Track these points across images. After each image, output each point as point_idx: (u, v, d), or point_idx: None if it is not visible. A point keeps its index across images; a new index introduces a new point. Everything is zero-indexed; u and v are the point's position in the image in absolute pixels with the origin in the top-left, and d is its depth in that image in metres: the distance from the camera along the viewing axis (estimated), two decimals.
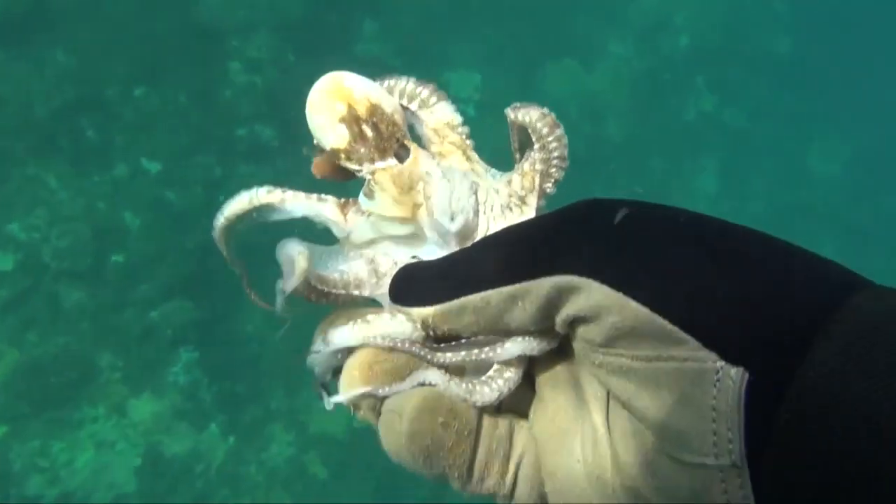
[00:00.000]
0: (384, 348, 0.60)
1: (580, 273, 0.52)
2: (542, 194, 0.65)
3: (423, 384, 0.59)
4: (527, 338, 0.59)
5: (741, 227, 0.53)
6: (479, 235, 0.64)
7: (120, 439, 4.17)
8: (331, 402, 0.63)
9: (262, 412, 4.40)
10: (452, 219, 0.63)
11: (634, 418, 0.53)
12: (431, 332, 0.62)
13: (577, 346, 0.56)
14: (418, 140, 0.68)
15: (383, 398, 0.59)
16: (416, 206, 0.64)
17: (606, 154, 6.43)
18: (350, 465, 4.32)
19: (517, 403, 0.63)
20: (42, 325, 4.21)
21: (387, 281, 0.63)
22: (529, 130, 0.64)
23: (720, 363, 0.47)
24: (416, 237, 0.65)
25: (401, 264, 0.64)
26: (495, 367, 0.61)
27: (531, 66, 6.56)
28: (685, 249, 0.51)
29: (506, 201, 0.65)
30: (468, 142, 0.68)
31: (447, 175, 0.64)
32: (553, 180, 0.65)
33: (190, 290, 4.39)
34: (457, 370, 0.62)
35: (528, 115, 0.63)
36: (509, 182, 0.65)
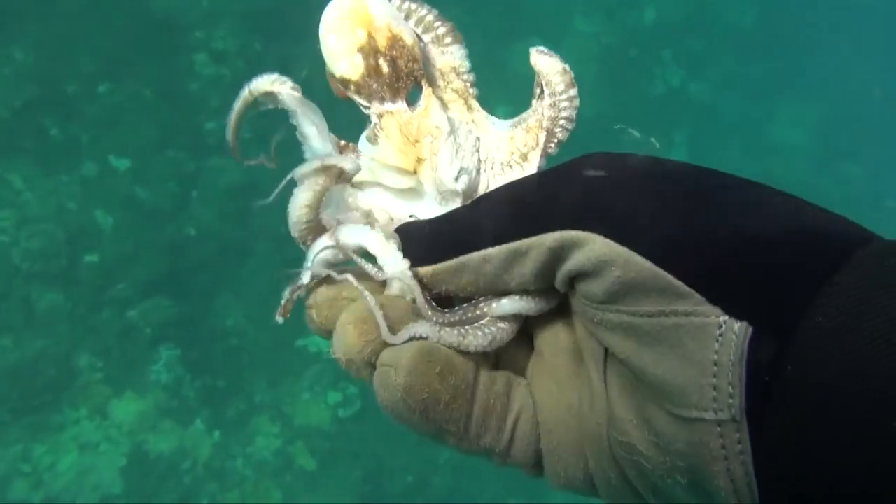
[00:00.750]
0: (376, 306, 0.57)
1: (582, 227, 0.51)
2: (545, 153, 0.63)
3: (414, 338, 0.57)
4: (524, 297, 0.58)
5: (745, 181, 0.53)
6: (479, 193, 0.63)
7: (103, 440, 4.13)
8: (280, 320, 0.61)
9: (247, 406, 4.40)
10: (457, 178, 0.61)
11: (632, 375, 0.52)
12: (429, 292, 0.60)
13: (577, 303, 0.56)
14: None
15: (377, 355, 0.57)
16: (420, 160, 0.61)
17: (580, 130, 6.46)
18: (337, 454, 4.34)
19: (515, 361, 0.63)
20: (17, 330, 4.14)
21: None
22: (544, 83, 0.62)
23: (723, 318, 0.47)
24: (414, 192, 0.63)
25: (397, 220, 0.62)
26: (490, 317, 0.59)
27: (499, 46, 6.54)
28: (690, 203, 0.50)
29: (507, 158, 0.63)
30: (472, 90, 0.65)
31: (455, 131, 0.62)
32: (557, 140, 0.63)
33: (167, 287, 4.34)
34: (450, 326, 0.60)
35: (549, 67, 0.61)
36: (512, 138, 0.64)
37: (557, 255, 0.53)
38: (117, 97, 4.58)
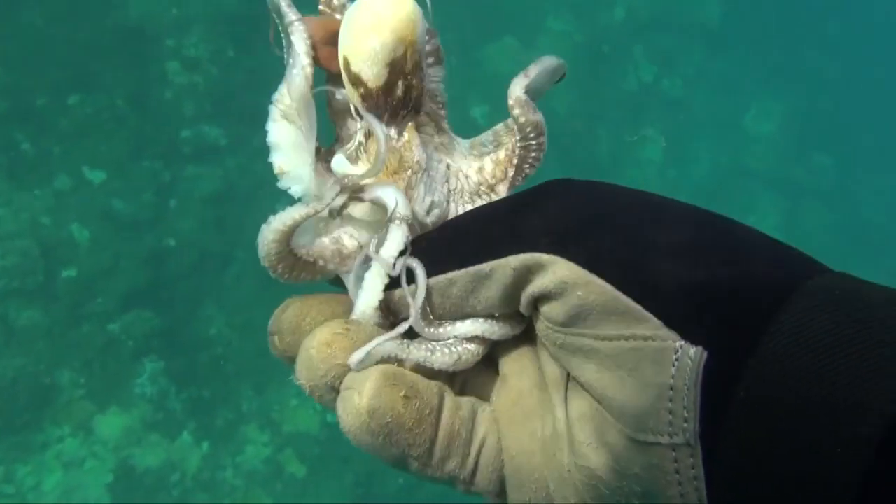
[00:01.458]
0: (345, 325, 0.58)
1: (546, 250, 0.52)
2: (512, 185, 0.65)
3: (381, 355, 0.57)
4: (489, 320, 0.59)
5: (702, 210, 0.55)
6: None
7: (88, 457, 4.06)
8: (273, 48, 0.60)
9: (234, 415, 4.36)
10: (428, 212, 0.62)
11: (592, 399, 0.53)
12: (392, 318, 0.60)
13: (540, 327, 0.56)
14: None
15: (340, 380, 0.57)
16: (403, 168, 0.61)
17: (556, 128, 6.51)
18: (327, 460, 4.32)
19: (482, 387, 0.63)
20: None
21: (352, 262, 0.62)
22: (519, 128, 0.63)
23: (680, 342, 0.48)
24: (384, 220, 0.63)
25: (366, 246, 0.62)
26: (455, 337, 0.60)
27: (472, 48, 6.57)
28: (650, 230, 0.52)
29: (475, 189, 0.65)
30: (443, 112, 0.66)
31: (431, 165, 0.63)
32: (524, 174, 0.65)
33: (148, 298, 4.28)
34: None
35: (525, 117, 0.62)
36: (481, 169, 0.65)
37: (521, 278, 0.54)
38: (89, 108, 4.51)
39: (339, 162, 0.62)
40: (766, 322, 0.46)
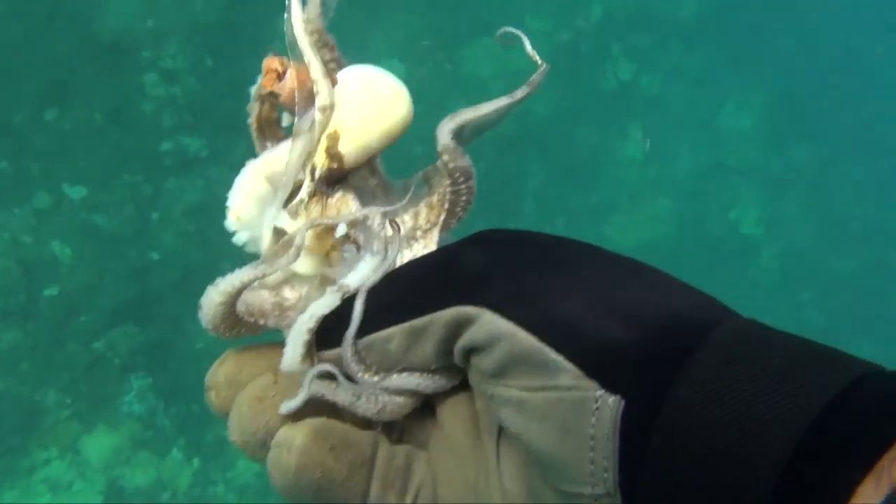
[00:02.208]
0: (274, 378, 0.58)
1: (475, 303, 0.54)
2: (446, 228, 0.66)
3: (311, 394, 0.58)
4: (423, 374, 0.59)
5: (623, 259, 0.57)
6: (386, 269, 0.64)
7: (77, 479, 4.00)
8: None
9: (224, 429, 4.30)
10: (372, 254, 0.62)
11: (523, 449, 0.54)
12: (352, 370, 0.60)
13: (473, 378, 0.57)
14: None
15: (272, 435, 0.57)
16: (333, 246, 0.63)
17: (537, 128, 6.55)
18: None
19: (420, 433, 0.63)
20: None
21: (292, 314, 0.62)
22: (449, 172, 0.64)
23: (599, 392, 0.49)
24: (321, 276, 0.64)
25: (306, 298, 0.63)
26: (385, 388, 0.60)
27: (452, 50, 6.57)
28: (571, 280, 0.54)
29: (411, 234, 0.66)
30: (377, 155, 0.67)
31: (367, 220, 0.64)
32: (458, 218, 0.66)
33: (133, 314, 4.23)
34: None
35: (454, 162, 0.63)
36: (416, 213, 0.66)
37: (453, 332, 0.55)
38: (66, 124, 4.44)
39: (281, 215, 0.62)
40: (676, 372, 0.48)
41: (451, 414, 0.62)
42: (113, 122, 4.55)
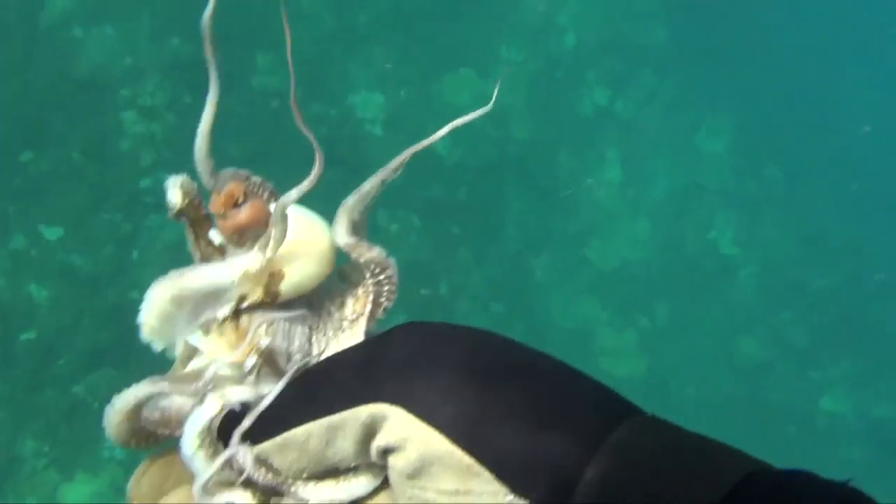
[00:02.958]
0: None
1: (391, 401, 0.54)
2: (373, 318, 0.67)
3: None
4: (340, 482, 0.60)
5: (537, 357, 0.58)
6: (312, 361, 0.66)
7: None
8: None
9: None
10: (289, 360, 0.64)
11: None
12: (260, 474, 0.60)
13: (391, 477, 0.58)
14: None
15: None
16: (254, 350, 0.64)
17: (516, 155, 6.62)
18: None
19: None
20: None
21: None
22: (366, 267, 0.66)
23: (510, 497, 0.51)
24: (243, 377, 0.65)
25: (228, 398, 0.63)
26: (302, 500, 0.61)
27: (429, 80, 6.64)
28: (485, 382, 0.54)
29: (338, 325, 0.67)
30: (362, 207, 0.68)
31: (285, 322, 0.65)
32: (383, 308, 0.67)
33: (113, 356, 4.14)
34: None
35: (363, 257, 0.65)
36: (342, 305, 0.67)
37: (370, 430, 0.56)
38: (43, 164, 4.39)
39: (195, 336, 0.63)
40: (578, 477, 0.50)
41: None
42: (91, 160, 4.50)
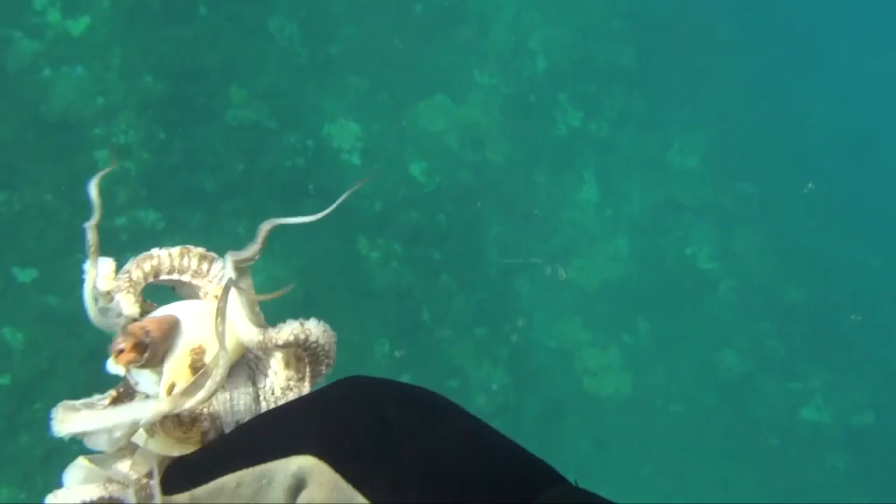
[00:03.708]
0: None
1: (321, 456, 0.55)
2: (317, 376, 0.69)
3: None
4: None
5: (469, 422, 0.59)
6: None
7: None
8: None
9: None
10: (237, 423, 0.66)
11: None
12: None
13: None
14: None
15: None
16: (201, 433, 0.65)
17: (493, 178, 6.66)
18: None
19: None
20: None
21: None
22: (284, 348, 0.67)
23: None
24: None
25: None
26: None
27: (404, 108, 6.69)
28: (413, 446, 0.55)
29: (284, 384, 0.68)
30: (253, 296, 0.69)
31: (229, 397, 0.66)
32: (325, 365, 0.69)
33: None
34: None
35: (280, 342, 0.65)
36: (287, 365, 0.68)
37: (300, 481, 0.56)
38: (15, 206, 4.33)
39: (139, 438, 0.64)
40: None
41: None
42: (65, 201, 4.45)
